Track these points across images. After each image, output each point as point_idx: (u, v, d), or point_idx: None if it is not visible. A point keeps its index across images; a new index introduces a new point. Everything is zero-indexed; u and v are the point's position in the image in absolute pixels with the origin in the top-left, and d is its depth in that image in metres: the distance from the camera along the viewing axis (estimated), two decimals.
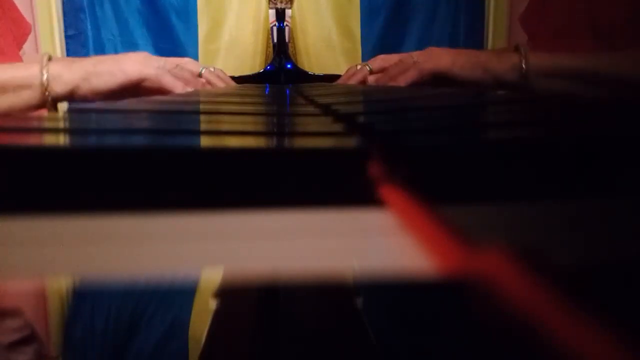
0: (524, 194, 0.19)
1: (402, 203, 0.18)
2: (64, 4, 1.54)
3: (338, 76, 1.12)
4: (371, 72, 0.95)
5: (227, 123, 0.37)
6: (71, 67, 0.75)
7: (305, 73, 1.39)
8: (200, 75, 0.91)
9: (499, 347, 0.09)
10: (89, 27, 1.57)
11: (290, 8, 1.54)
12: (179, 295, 0.12)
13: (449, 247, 0.14)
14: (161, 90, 0.81)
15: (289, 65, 1.38)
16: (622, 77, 0.70)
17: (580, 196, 0.19)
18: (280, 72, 1.37)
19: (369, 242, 0.16)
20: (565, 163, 0.19)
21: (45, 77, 0.72)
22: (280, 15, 1.49)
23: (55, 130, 0.30)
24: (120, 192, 0.19)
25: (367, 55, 1.58)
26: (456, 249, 0.14)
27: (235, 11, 1.62)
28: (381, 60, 0.95)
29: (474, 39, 1.63)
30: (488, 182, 0.19)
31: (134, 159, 0.19)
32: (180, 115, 0.42)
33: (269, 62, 1.46)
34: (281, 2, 1.52)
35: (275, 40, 1.45)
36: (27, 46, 1.02)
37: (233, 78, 1.24)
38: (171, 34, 1.60)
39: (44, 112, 0.85)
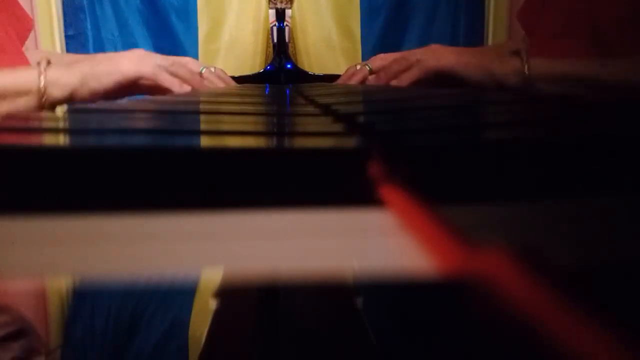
0: (524, 194, 0.19)
1: (402, 203, 0.18)
2: (64, 3, 1.54)
3: (338, 76, 1.11)
4: (371, 72, 0.94)
5: (227, 123, 0.37)
6: (69, 71, 0.75)
7: (305, 73, 1.39)
8: (200, 75, 0.91)
9: (499, 347, 0.09)
10: (89, 27, 1.56)
11: (290, 8, 1.54)
12: (179, 295, 0.12)
13: (449, 247, 0.14)
14: (158, 88, 0.80)
15: (289, 65, 1.38)
16: (625, 84, 0.70)
17: (580, 196, 0.19)
18: (280, 72, 1.37)
19: (369, 242, 0.16)
20: (565, 163, 0.19)
21: (42, 83, 0.72)
22: (280, 15, 1.49)
23: (55, 130, 0.30)
24: (120, 192, 0.19)
25: (367, 55, 1.58)
26: (456, 249, 0.14)
27: (235, 11, 1.62)
28: (380, 60, 0.94)
29: (474, 39, 1.63)
30: (488, 182, 0.19)
31: (134, 159, 0.19)
32: (180, 115, 0.42)
33: (269, 62, 1.45)
34: (281, 2, 1.52)
35: (275, 40, 1.45)
36: (28, 43, 1.01)
37: (233, 78, 1.24)
38: (171, 34, 1.60)
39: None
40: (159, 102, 0.54)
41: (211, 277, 0.14)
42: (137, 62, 0.79)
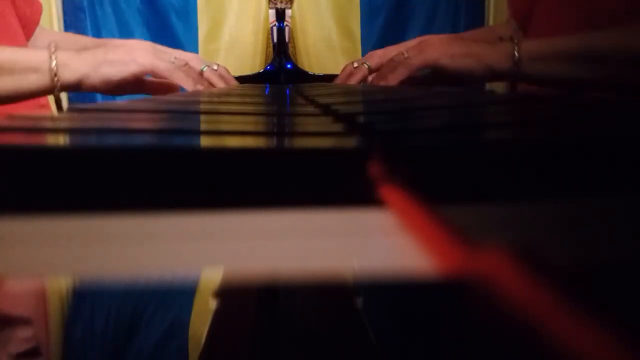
0: (524, 194, 0.19)
1: (402, 203, 0.18)
2: (64, 3, 1.54)
3: (337, 76, 1.11)
4: (370, 70, 0.92)
5: (227, 123, 0.37)
6: (81, 56, 0.74)
7: (305, 73, 1.39)
8: (201, 73, 0.90)
9: (499, 347, 0.09)
10: (89, 27, 1.57)
11: (290, 8, 1.54)
12: (179, 295, 0.12)
13: (449, 247, 0.14)
14: (164, 87, 0.80)
15: (289, 65, 1.38)
16: (617, 54, 0.68)
17: (580, 196, 0.19)
18: (280, 72, 1.37)
19: (369, 242, 0.16)
20: (565, 163, 0.19)
21: (54, 62, 0.71)
22: (280, 15, 1.49)
23: (55, 130, 0.30)
24: (120, 192, 0.19)
25: None
26: (456, 249, 0.14)
27: (235, 11, 1.62)
28: (378, 57, 0.92)
29: None
30: (488, 182, 0.19)
31: (133, 159, 0.19)
32: (180, 115, 0.42)
33: (269, 62, 1.45)
34: (281, 2, 1.52)
35: (275, 40, 1.45)
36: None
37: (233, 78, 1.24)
38: (171, 34, 1.60)
39: (47, 110, 0.85)
40: (159, 102, 0.54)
41: (211, 277, 0.14)
42: (152, 56, 0.77)
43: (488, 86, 0.94)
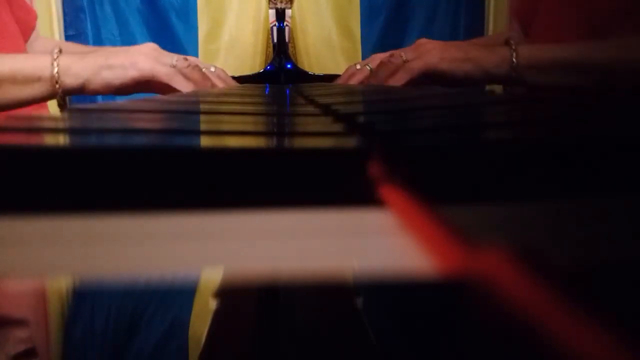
0: (524, 194, 0.19)
1: (402, 203, 0.18)
2: (64, 4, 1.54)
3: (338, 76, 1.12)
4: (372, 72, 0.93)
5: (227, 123, 0.37)
6: (82, 60, 0.74)
7: (305, 73, 1.39)
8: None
9: (499, 347, 0.09)
10: (89, 27, 1.57)
11: (290, 8, 1.54)
12: (179, 295, 0.12)
13: (449, 247, 0.14)
14: (170, 88, 0.80)
15: (289, 65, 1.38)
16: (614, 66, 0.69)
17: (580, 196, 0.19)
18: (280, 72, 1.37)
19: (369, 242, 0.16)
20: (565, 163, 0.19)
21: (55, 69, 0.71)
22: (280, 15, 1.49)
23: (55, 130, 0.30)
24: (120, 192, 0.19)
25: (367, 55, 1.58)
26: (456, 249, 0.14)
27: (235, 11, 1.62)
28: (380, 60, 0.94)
29: (473, 38, 1.63)
30: (488, 182, 0.19)
31: (133, 159, 0.19)
32: (180, 115, 0.42)
33: (269, 62, 1.45)
34: (281, 2, 1.52)
35: (275, 40, 1.45)
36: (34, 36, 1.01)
37: (233, 78, 1.24)
38: (171, 34, 1.60)
39: (45, 111, 0.85)
40: (159, 102, 0.54)
41: (211, 277, 0.14)
42: (153, 60, 0.78)
43: (487, 87, 0.94)
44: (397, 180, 0.19)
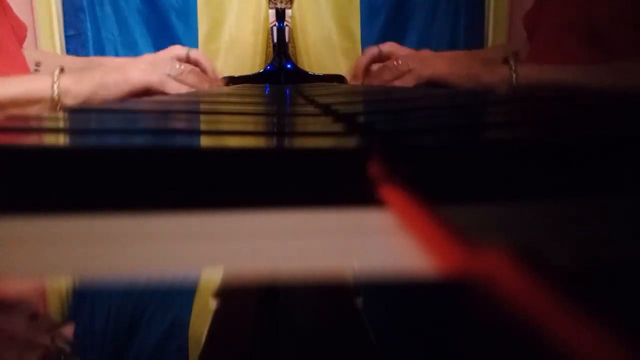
0: (524, 194, 0.19)
1: (402, 203, 0.18)
2: (64, 4, 1.54)
3: (338, 76, 1.12)
4: (380, 53, 0.96)
5: (227, 123, 0.37)
6: (80, 81, 0.77)
7: (305, 73, 1.39)
8: (187, 56, 0.94)
9: (499, 347, 0.09)
10: (89, 27, 1.56)
11: (290, 8, 1.54)
12: (179, 295, 0.12)
13: (449, 247, 0.14)
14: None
15: (289, 65, 1.38)
16: (612, 89, 0.70)
17: (580, 196, 0.19)
18: (280, 72, 1.37)
19: (369, 242, 0.16)
20: (565, 163, 0.19)
21: (56, 92, 0.73)
22: (280, 15, 1.49)
23: (55, 130, 0.30)
24: (121, 192, 0.19)
25: None
26: (456, 249, 0.14)
27: (235, 11, 1.62)
28: (390, 46, 0.96)
29: (474, 39, 1.63)
30: (488, 182, 0.19)
31: (133, 159, 0.19)
32: (180, 115, 0.42)
33: (269, 62, 1.45)
34: (281, 2, 1.52)
35: (275, 40, 1.45)
36: (26, 44, 1.02)
37: (233, 78, 1.24)
38: (171, 34, 1.60)
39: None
40: (159, 102, 0.54)
41: (211, 277, 0.14)
42: (145, 72, 0.81)
43: None
44: (397, 180, 0.19)
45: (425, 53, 0.88)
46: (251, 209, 0.18)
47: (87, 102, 0.76)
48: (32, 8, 1.46)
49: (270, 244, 0.16)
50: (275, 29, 1.46)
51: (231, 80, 1.20)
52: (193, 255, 0.15)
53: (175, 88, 0.82)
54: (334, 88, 0.93)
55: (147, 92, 0.81)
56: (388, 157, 0.20)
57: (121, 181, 0.19)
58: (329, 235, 0.16)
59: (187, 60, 0.94)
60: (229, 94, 0.76)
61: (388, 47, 0.96)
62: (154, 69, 0.82)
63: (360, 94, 0.70)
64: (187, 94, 0.76)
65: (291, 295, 0.11)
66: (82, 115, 0.39)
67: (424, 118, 0.38)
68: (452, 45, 1.61)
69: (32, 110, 0.73)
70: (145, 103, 0.51)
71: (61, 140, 0.28)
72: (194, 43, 1.61)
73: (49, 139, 0.27)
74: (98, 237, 0.16)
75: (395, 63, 0.86)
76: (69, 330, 0.10)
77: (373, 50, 0.97)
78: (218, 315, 0.10)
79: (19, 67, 0.88)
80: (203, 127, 0.34)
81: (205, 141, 0.26)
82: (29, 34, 1.04)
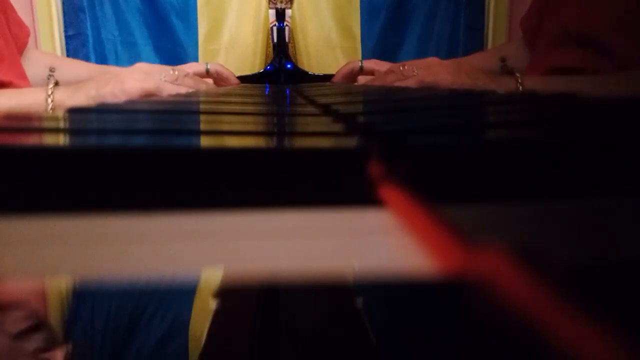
0: (524, 194, 0.19)
1: (402, 203, 0.18)
2: (64, 4, 1.54)
3: (349, 74, 1.13)
4: (361, 69, 1.03)
5: (227, 123, 0.37)
6: (75, 95, 0.77)
7: (305, 73, 1.39)
8: (207, 71, 0.97)
9: (499, 347, 0.09)
10: (89, 27, 1.56)
11: (290, 8, 1.54)
12: (179, 295, 0.12)
13: (449, 247, 0.14)
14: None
15: (289, 65, 1.38)
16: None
17: (580, 196, 0.19)
18: (280, 72, 1.37)
19: (369, 242, 0.16)
20: (565, 163, 0.19)
21: (50, 105, 0.73)
22: (280, 15, 1.49)
23: (55, 130, 0.30)
24: (120, 192, 0.19)
25: (367, 55, 1.58)
26: (456, 249, 0.14)
27: (235, 11, 1.62)
28: (374, 64, 1.02)
29: (474, 39, 1.63)
30: (488, 182, 0.19)
31: (133, 159, 0.19)
32: (180, 115, 0.42)
33: (269, 62, 1.45)
34: (281, 2, 1.52)
35: (275, 40, 1.45)
36: (30, 44, 1.02)
37: None
38: (171, 34, 1.60)
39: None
40: (159, 102, 0.54)
41: (211, 277, 0.14)
42: (140, 80, 0.81)
43: None
44: (397, 180, 0.19)
45: (432, 60, 0.89)
46: (251, 209, 0.18)
47: None
48: (32, 8, 1.46)
49: (270, 244, 0.16)
50: (275, 29, 1.46)
51: None
52: (193, 255, 0.15)
53: (172, 91, 0.83)
54: (334, 88, 0.93)
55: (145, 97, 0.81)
56: (388, 157, 0.20)
57: (121, 181, 0.19)
58: (329, 235, 0.16)
59: (207, 74, 0.98)
60: (229, 94, 0.76)
61: (371, 64, 1.03)
62: (149, 76, 0.83)
63: (360, 94, 0.70)
64: (188, 94, 0.76)
65: (291, 295, 0.11)
66: (82, 115, 0.39)
67: (424, 118, 0.38)
68: (452, 46, 1.61)
69: None
70: (145, 103, 0.51)
71: (61, 140, 0.28)
72: (194, 43, 1.61)
73: (49, 139, 0.27)
74: (98, 237, 0.16)
75: (401, 68, 0.88)
76: (59, 355, 0.10)
77: (355, 64, 1.04)
78: (218, 315, 0.10)
79: (16, 75, 0.88)
80: (203, 127, 0.34)
81: (205, 141, 0.26)
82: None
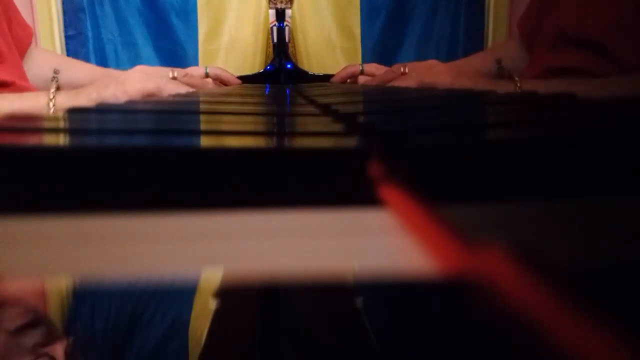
0: (524, 194, 0.19)
1: (402, 203, 0.18)
2: (64, 4, 1.54)
3: (349, 77, 1.14)
4: (362, 71, 1.06)
5: (227, 123, 0.37)
6: (77, 99, 0.77)
7: (305, 73, 1.39)
8: (207, 75, 0.97)
9: (499, 346, 0.09)
10: (89, 27, 1.56)
11: (290, 8, 1.54)
12: (179, 295, 0.12)
13: (449, 247, 0.14)
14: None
15: (289, 65, 1.38)
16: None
17: (580, 196, 0.19)
18: (280, 72, 1.37)
19: (369, 242, 0.16)
20: (565, 163, 0.19)
21: (52, 110, 0.73)
22: (280, 15, 1.49)
23: (55, 130, 0.30)
24: (120, 192, 0.19)
25: (367, 55, 1.58)
26: (456, 249, 0.14)
27: (235, 11, 1.62)
28: (375, 68, 1.06)
29: (473, 39, 1.62)
30: (488, 182, 0.19)
31: (133, 159, 0.19)
32: (180, 115, 0.42)
33: (269, 62, 1.45)
34: (281, 2, 1.52)
35: (275, 40, 1.45)
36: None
37: None
38: (171, 34, 1.60)
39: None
40: (159, 102, 0.54)
41: (211, 277, 0.14)
42: (141, 81, 0.82)
43: None
44: (397, 180, 0.19)
45: (431, 62, 0.90)
46: (251, 209, 0.18)
47: None
48: (32, 8, 1.46)
49: (270, 244, 0.16)
50: (275, 29, 1.46)
51: None
52: (193, 255, 0.15)
53: (174, 89, 0.83)
54: (334, 88, 0.93)
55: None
56: (388, 157, 0.20)
57: (121, 181, 0.19)
58: (329, 235, 0.16)
59: (207, 77, 0.99)
60: (229, 94, 0.76)
61: (371, 68, 1.06)
62: (149, 77, 0.83)
63: (360, 94, 0.70)
64: (187, 94, 0.76)
65: (291, 295, 0.11)
66: (82, 115, 0.39)
67: (424, 118, 0.38)
68: (452, 46, 1.61)
69: None
70: (145, 103, 0.51)
71: (61, 140, 0.28)
72: (194, 43, 1.61)
73: (49, 139, 0.27)
74: (98, 237, 0.16)
75: (402, 69, 0.88)
76: (59, 349, 0.10)
77: (355, 68, 1.07)
78: (218, 315, 0.10)
79: (18, 75, 0.88)
80: (203, 127, 0.34)
81: (205, 141, 0.26)
82: None
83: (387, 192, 0.19)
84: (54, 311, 0.12)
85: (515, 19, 1.17)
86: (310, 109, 0.46)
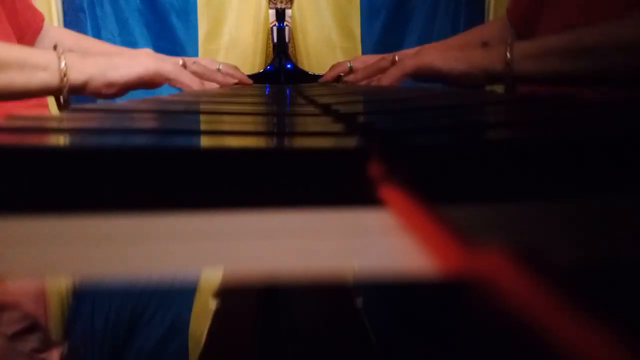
0: (524, 194, 0.19)
1: (402, 203, 0.18)
2: (64, 4, 1.54)
3: (338, 76, 1.13)
4: (350, 69, 1.04)
5: (227, 123, 0.37)
6: (87, 59, 0.75)
7: (305, 73, 1.39)
8: (218, 71, 0.99)
9: (499, 346, 0.09)
10: (89, 27, 1.56)
11: (290, 8, 1.54)
12: (179, 295, 0.12)
13: (449, 247, 0.14)
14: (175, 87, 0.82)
15: (289, 65, 1.38)
16: (609, 45, 0.68)
17: (580, 196, 0.19)
18: (280, 72, 1.37)
19: (369, 242, 0.16)
20: (565, 163, 0.19)
21: (63, 63, 0.71)
22: (280, 15, 1.49)
23: (55, 130, 0.30)
24: (120, 192, 0.19)
25: None
26: (456, 249, 0.14)
27: (235, 11, 1.62)
28: (361, 62, 1.03)
29: None
30: (488, 182, 0.19)
31: (134, 159, 0.19)
32: (180, 115, 0.42)
33: (269, 62, 1.45)
34: (281, 2, 1.52)
35: (275, 40, 1.45)
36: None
37: None
38: (171, 34, 1.60)
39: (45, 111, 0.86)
40: (159, 102, 0.54)
41: (211, 277, 0.14)
42: (157, 59, 0.79)
43: (488, 87, 0.95)
44: (397, 180, 0.19)
45: (425, 46, 0.88)
46: (251, 209, 0.18)
47: (91, 81, 0.72)
48: None
49: (270, 244, 0.16)
50: (275, 29, 1.46)
51: None
52: (193, 255, 0.15)
53: (188, 79, 0.80)
54: (334, 88, 0.93)
55: (153, 81, 0.79)
56: (388, 157, 0.20)
57: (121, 181, 0.19)
58: (329, 235, 0.16)
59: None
60: (229, 94, 0.76)
61: (358, 63, 1.04)
62: (163, 58, 0.81)
63: (360, 94, 0.70)
64: (187, 94, 0.76)
65: (291, 295, 0.11)
66: (82, 115, 0.39)
67: (424, 118, 0.38)
68: None
69: (38, 77, 0.71)
70: (145, 103, 0.51)
71: (61, 140, 0.28)
72: (194, 43, 1.61)
73: (49, 139, 0.27)
74: (98, 237, 0.16)
75: (394, 57, 0.87)
76: (55, 355, 0.10)
77: (344, 66, 1.06)
78: (218, 315, 0.10)
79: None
80: (203, 127, 0.34)
81: (205, 141, 0.26)
82: None
83: (387, 192, 0.19)
84: (54, 312, 0.12)
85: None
86: (310, 109, 0.46)
